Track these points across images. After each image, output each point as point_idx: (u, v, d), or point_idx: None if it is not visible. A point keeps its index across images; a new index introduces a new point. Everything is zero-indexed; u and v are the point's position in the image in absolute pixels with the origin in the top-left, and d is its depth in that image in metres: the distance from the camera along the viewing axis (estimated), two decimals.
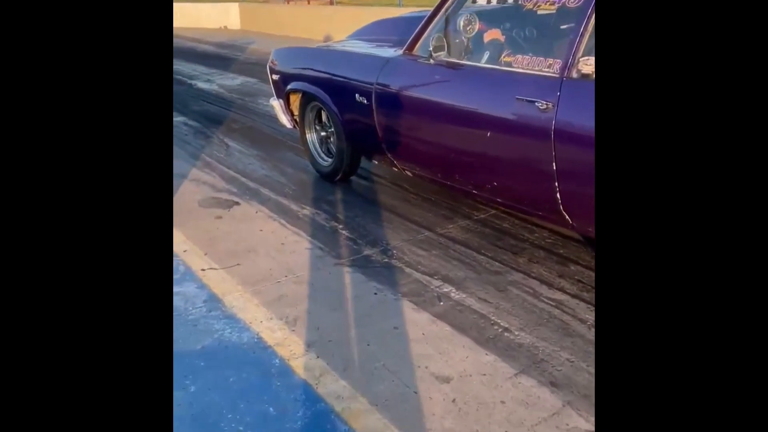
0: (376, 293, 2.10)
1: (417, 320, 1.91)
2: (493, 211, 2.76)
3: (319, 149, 3.36)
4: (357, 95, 2.74)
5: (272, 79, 3.40)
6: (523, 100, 1.97)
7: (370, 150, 2.97)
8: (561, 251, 2.33)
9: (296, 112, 3.34)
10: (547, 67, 1.94)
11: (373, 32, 3.43)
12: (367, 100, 2.69)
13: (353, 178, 3.32)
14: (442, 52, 2.35)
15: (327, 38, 7.20)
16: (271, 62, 3.40)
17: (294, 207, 2.96)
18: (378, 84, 2.63)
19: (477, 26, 2.31)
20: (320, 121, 3.29)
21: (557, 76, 1.87)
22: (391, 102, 2.59)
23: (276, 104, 3.41)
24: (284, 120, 3.42)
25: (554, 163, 1.86)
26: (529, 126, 1.96)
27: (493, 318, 1.89)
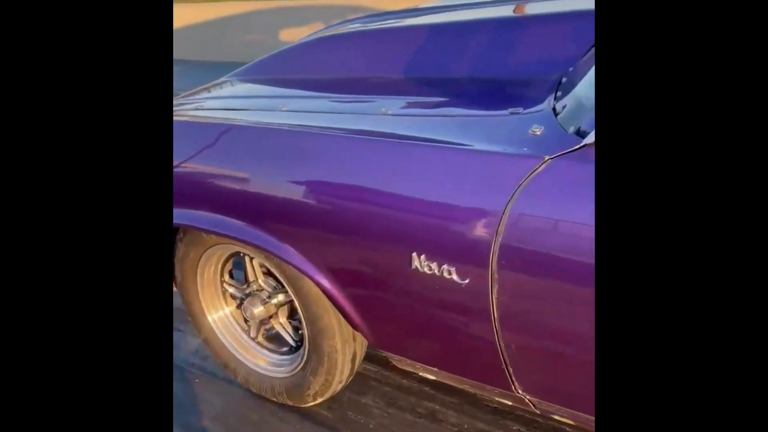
0: None
1: None
2: None
3: (245, 336, 1.64)
4: (422, 258, 1.06)
5: None
6: None
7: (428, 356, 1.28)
8: None
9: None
10: None
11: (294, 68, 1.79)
12: (464, 271, 1.03)
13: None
14: None
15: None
16: None
17: None
18: (511, 229, 0.97)
19: None
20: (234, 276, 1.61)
21: None
22: (555, 275, 0.96)
23: None
24: None
25: None
26: None
27: None
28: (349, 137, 1.24)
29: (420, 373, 1.38)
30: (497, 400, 1.44)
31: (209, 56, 6.90)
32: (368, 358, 1.69)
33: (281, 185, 1.25)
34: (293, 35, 5.75)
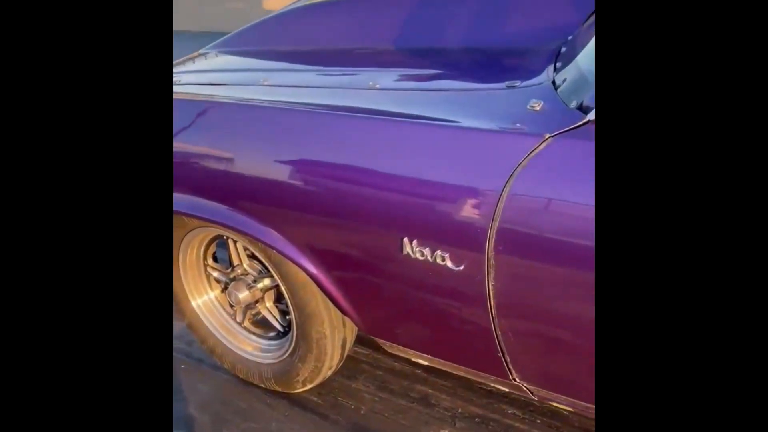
0: None
1: None
2: None
3: (224, 315, 1.58)
4: (414, 243, 1.01)
5: None
6: None
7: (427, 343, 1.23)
8: None
9: None
10: None
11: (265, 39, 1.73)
12: (459, 257, 0.97)
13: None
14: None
15: None
16: None
17: None
18: (508, 212, 0.91)
19: None
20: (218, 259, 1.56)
21: None
22: (555, 261, 0.90)
23: None
24: None
25: None
26: None
27: None
28: (334, 114, 1.15)
29: (412, 359, 1.33)
30: (492, 384, 1.40)
31: (187, 26, 6.70)
32: (359, 340, 1.64)
33: (263, 166, 1.17)
34: (276, 4, 5.58)
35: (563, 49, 1.14)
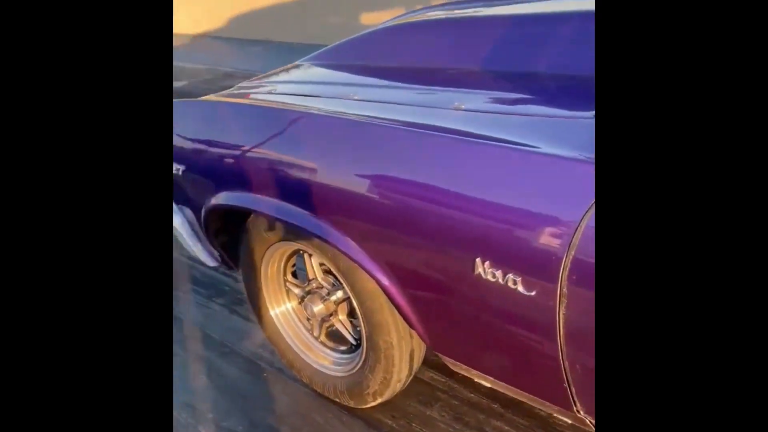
0: None
1: None
2: None
3: (301, 328, 1.64)
4: (486, 265, 1.02)
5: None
6: None
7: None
8: None
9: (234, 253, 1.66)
10: None
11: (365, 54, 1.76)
12: (532, 282, 0.97)
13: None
14: None
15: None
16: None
17: None
18: (586, 240, 0.89)
19: None
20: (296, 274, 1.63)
21: None
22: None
23: (181, 224, 1.60)
24: (201, 254, 1.69)
25: None
26: None
27: None
28: (418, 132, 1.19)
29: (475, 379, 1.33)
30: (570, 423, 1.37)
31: (289, 37, 7.00)
32: (436, 367, 1.67)
33: (346, 177, 1.22)
34: (374, 19, 5.73)
35: None
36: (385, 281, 1.21)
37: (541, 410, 1.50)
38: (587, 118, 1.08)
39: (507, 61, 1.49)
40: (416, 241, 1.13)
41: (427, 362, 1.65)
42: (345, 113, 1.35)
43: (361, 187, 1.19)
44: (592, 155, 0.95)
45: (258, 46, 6.98)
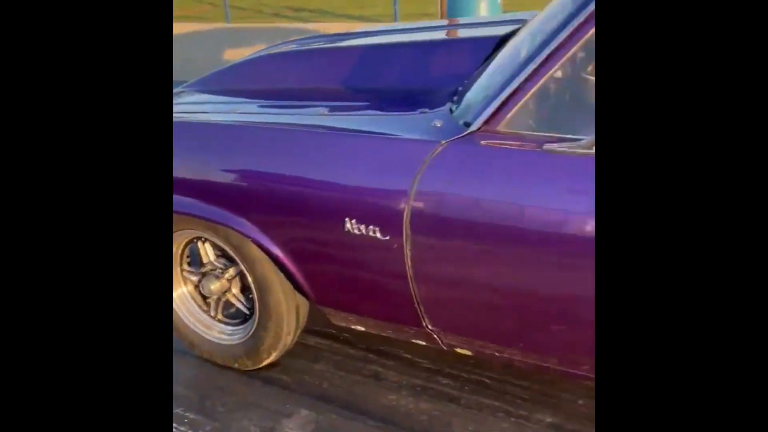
0: None
1: None
2: None
3: (199, 311, 1.92)
4: (353, 222, 1.40)
5: None
6: None
7: (363, 308, 1.61)
8: None
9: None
10: None
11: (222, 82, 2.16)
12: (386, 230, 1.36)
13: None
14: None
15: None
16: None
17: None
18: (418, 195, 1.32)
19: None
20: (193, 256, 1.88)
21: None
22: (452, 232, 1.31)
23: None
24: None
25: None
26: None
27: None
28: (292, 129, 1.57)
29: (352, 326, 1.69)
30: (429, 362, 1.79)
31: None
32: (320, 335, 2.02)
33: (238, 169, 1.57)
34: (235, 55, 6.00)
35: (460, 88, 1.59)
36: (275, 249, 1.55)
37: (406, 354, 1.90)
38: (415, 114, 1.54)
39: (356, 81, 1.95)
40: (297, 213, 1.50)
41: (311, 331, 2.01)
42: (235, 121, 1.70)
43: (250, 176, 1.54)
44: (418, 136, 1.39)
45: None
